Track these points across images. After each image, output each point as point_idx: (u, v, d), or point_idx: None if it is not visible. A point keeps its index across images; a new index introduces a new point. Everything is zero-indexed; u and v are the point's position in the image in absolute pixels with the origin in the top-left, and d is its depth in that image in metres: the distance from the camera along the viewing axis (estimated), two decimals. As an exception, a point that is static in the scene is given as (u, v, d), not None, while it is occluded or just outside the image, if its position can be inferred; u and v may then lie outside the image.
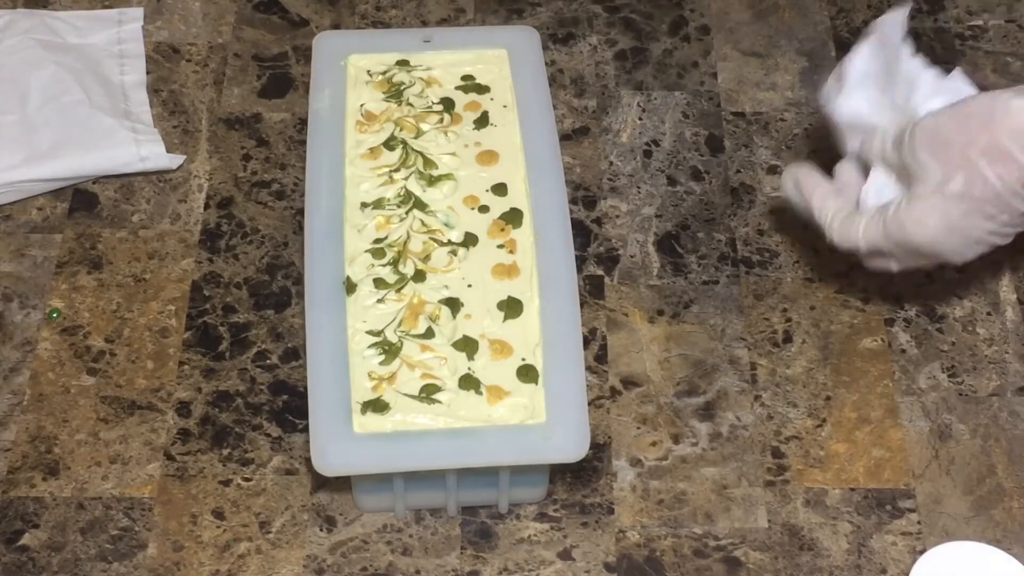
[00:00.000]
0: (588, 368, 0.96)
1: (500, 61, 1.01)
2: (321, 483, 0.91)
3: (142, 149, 1.06)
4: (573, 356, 0.87)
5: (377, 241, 0.92)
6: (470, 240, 0.92)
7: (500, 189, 0.94)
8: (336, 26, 1.16)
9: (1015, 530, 0.90)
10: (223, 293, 1.01)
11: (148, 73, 1.13)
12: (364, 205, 0.93)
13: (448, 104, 0.99)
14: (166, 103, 1.11)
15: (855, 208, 0.90)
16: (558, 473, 0.92)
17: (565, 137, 1.09)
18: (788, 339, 0.99)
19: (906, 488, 0.92)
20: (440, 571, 0.89)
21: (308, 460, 0.88)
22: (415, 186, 0.94)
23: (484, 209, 0.94)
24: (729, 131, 1.10)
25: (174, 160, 1.07)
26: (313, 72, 1.00)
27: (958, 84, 0.90)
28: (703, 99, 1.11)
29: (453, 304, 0.89)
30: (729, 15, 1.18)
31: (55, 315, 0.99)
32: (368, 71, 1.01)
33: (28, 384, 0.96)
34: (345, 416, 0.85)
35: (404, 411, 0.85)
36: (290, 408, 0.95)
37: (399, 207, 0.93)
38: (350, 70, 1.01)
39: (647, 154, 1.09)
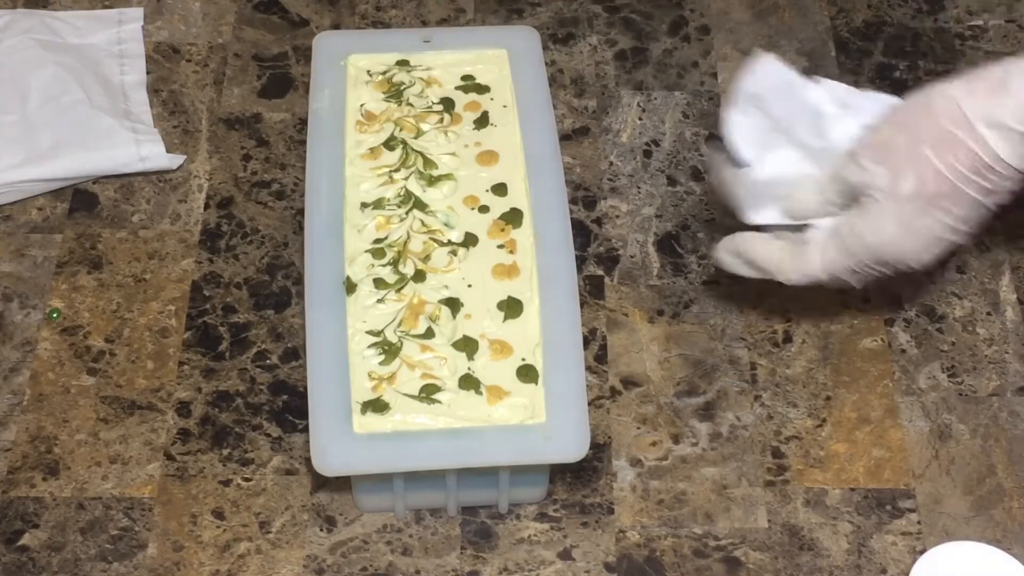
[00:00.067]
0: (588, 368, 0.96)
1: (500, 61, 1.01)
2: (321, 483, 0.91)
3: (142, 149, 1.06)
4: (573, 356, 0.87)
5: (377, 241, 0.92)
6: (470, 240, 0.92)
7: (500, 189, 0.94)
8: (336, 26, 1.16)
9: (1015, 530, 0.90)
10: (223, 293, 1.01)
11: (148, 73, 1.13)
12: (364, 205, 0.93)
13: (448, 104, 0.99)
14: (166, 103, 1.11)
15: (801, 243, 0.87)
16: (558, 473, 0.92)
17: (565, 137, 1.09)
18: (788, 339, 0.99)
19: (906, 488, 0.92)
20: (440, 571, 0.89)
21: (308, 460, 0.88)
22: (415, 186, 0.94)
23: (484, 209, 0.94)
24: (729, 131, 1.10)
25: (174, 160, 1.07)
26: (313, 72, 1.00)
27: (871, 96, 0.88)
28: (703, 99, 1.11)
29: (453, 304, 0.89)
30: (729, 15, 1.18)
31: (55, 315, 0.99)
32: (368, 71, 1.01)
33: (28, 384, 0.96)
34: (345, 416, 0.85)
35: (404, 411, 0.85)
36: (290, 408, 0.95)
37: (399, 207, 0.93)
38: (350, 70, 1.00)
39: (647, 154, 1.09)
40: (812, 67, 1.13)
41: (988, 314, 1.00)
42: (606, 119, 1.11)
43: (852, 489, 0.92)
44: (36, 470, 0.92)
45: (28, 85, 1.09)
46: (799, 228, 0.87)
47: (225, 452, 0.93)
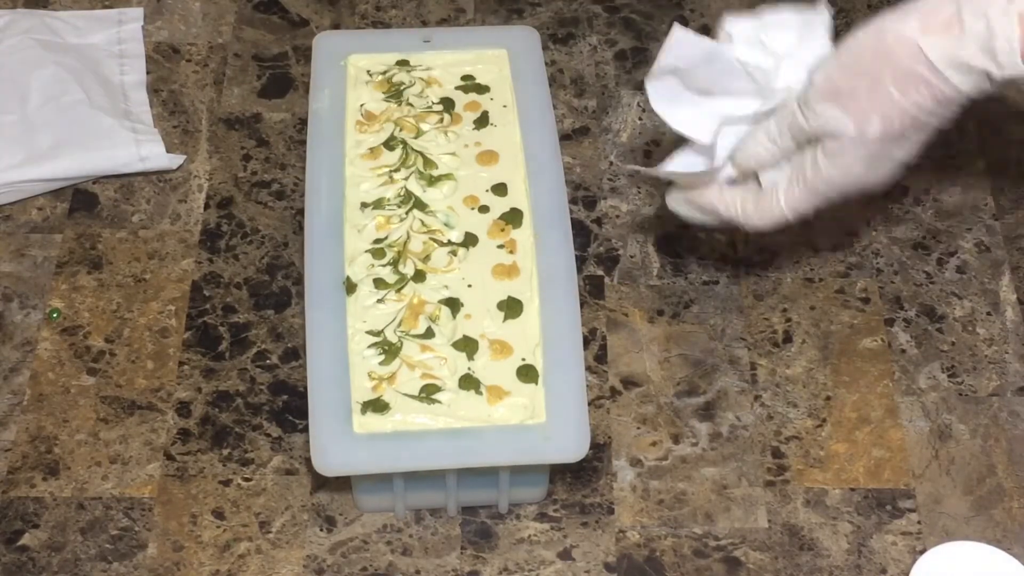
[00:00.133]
0: (588, 368, 0.96)
1: (500, 61, 1.01)
2: (321, 483, 0.91)
3: (142, 149, 1.06)
4: (573, 356, 0.87)
5: (377, 241, 0.92)
6: (470, 240, 0.92)
7: (500, 189, 0.94)
8: (336, 26, 1.16)
9: (1015, 530, 0.90)
10: (223, 293, 1.01)
11: (148, 73, 1.13)
12: (364, 205, 0.93)
13: (448, 104, 0.99)
14: (166, 103, 1.11)
15: (759, 187, 0.88)
16: (558, 473, 0.92)
17: (565, 137, 1.09)
18: (788, 339, 0.99)
19: (906, 488, 0.92)
20: (440, 571, 0.89)
21: (308, 460, 0.88)
22: (415, 186, 0.94)
23: (484, 209, 0.94)
24: (729, 131, 1.10)
25: (174, 160, 1.07)
26: (313, 72, 1.00)
27: (785, 20, 0.87)
28: (703, 99, 1.11)
29: (453, 304, 0.89)
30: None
31: (55, 315, 0.99)
32: (368, 71, 1.01)
33: (28, 384, 0.96)
34: (345, 416, 0.84)
35: (404, 411, 0.85)
36: (290, 408, 0.95)
37: (399, 207, 0.93)
38: (350, 70, 1.01)
39: (647, 154, 1.09)
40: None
41: (988, 314, 1.00)
42: (606, 119, 1.11)
43: (852, 489, 0.92)
44: (36, 470, 0.92)
45: (28, 85, 1.09)
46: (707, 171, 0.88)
47: (225, 452, 0.93)
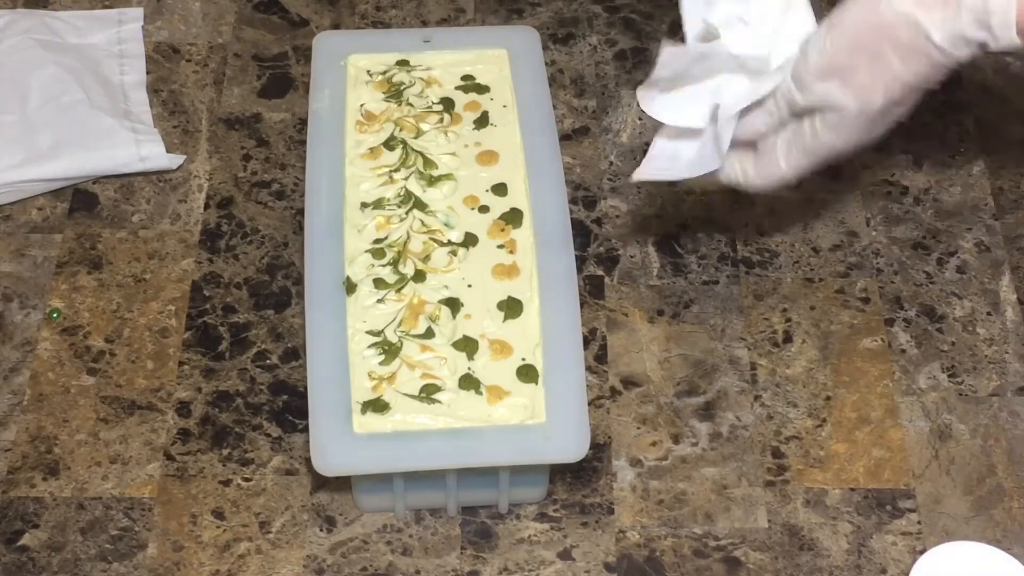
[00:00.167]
0: (588, 368, 0.96)
1: (500, 61, 1.01)
2: (321, 483, 0.91)
3: (142, 149, 1.06)
4: (573, 356, 0.87)
5: (377, 241, 0.92)
6: (470, 240, 0.92)
7: (500, 189, 0.94)
8: (336, 26, 1.16)
9: (1015, 530, 0.90)
10: (223, 293, 1.01)
11: (148, 73, 1.13)
12: (364, 205, 0.93)
13: (448, 104, 0.99)
14: (166, 103, 1.11)
15: (755, 150, 0.89)
16: (558, 473, 0.92)
17: (565, 137, 1.09)
18: (788, 339, 0.99)
19: (906, 488, 0.92)
20: (440, 571, 0.89)
21: (308, 460, 0.88)
22: (415, 186, 0.94)
23: (484, 209, 0.94)
24: (729, 131, 1.10)
25: (174, 160, 1.07)
26: (313, 72, 1.00)
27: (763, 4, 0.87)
28: (703, 99, 1.11)
29: (453, 304, 0.89)
30: (729, 15, 1.17)
31: (55, 315, 0.99)
32: (368, 71, 1.01)
33: (28, 384, 0.96)
34: (345, 416, 0.84)
35: (404, 411, 0.85)
36: (290, 408, 0.95)
37: (399, 207, 0.93)
38: (350, 70, 1.01)
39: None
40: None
41: (988, 314, 1.00)
42: (606, 119, 1.11)
43: (852, 489, 0.92)
44: (36, 470, 0.92)
45: (28, 85, 1.09)
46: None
47: (225, 452, 0.93)
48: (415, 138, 0.97)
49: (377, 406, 0.85)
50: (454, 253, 0.91)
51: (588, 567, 0.89)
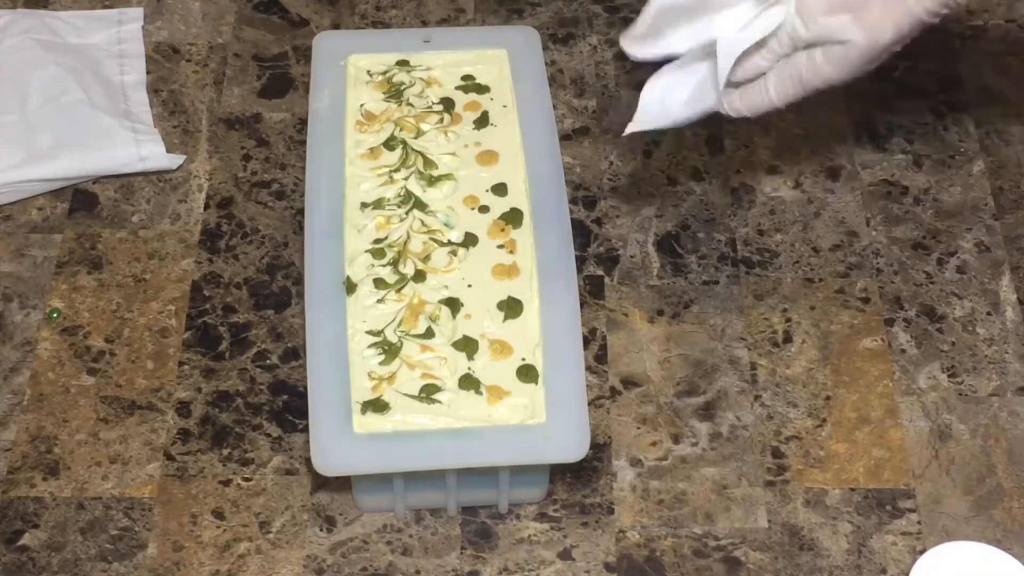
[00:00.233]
0: (588, 368, 0.96)
1: (500, 61, 1.01)
2: (321, 483, 0.91)
3: (142, 149, 1.06)
4: (573, 356, 0.87)
5: (377, 241, 0.92)
6: (470, 240, 0.92)
7: (500, 189, 0.94)
8: (336, 26, 1.16)
9: (1015, 530, 0.90)
10: (223, 293, 1.01)
11: (148, 73, 1.13)
12: (364, 205, 0.93)
13: (448, 104, 0.99)
14: (166, 103, 1.11)
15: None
16: (558, 473, 0.92)
17: (565, 137, 1.09)
18: (788, 339, 0.99)
19: (906, 488, 0.92)
20: (440, 571, 0.88)
21: (308, 460, 0.88)
22: (415, 186, 0.94)
23: (484, 209, 0.94)
24: (729, 131, 1.10)
25: (174, 160, 1.07)
26: (313, 72, 1.00)
27: None
28: (703, 99, 1.11)
29: (453, 304, 0.89)
30: (729, 15, 1.17)
31: (55, 315, 0.99)
32: (368, 71, 1.01)
33: (28, 384, 0.96)
34: (345, 416, 0.84)
35: (404, 411, 0.85)
36: (290, 408, 0.95)
37: (399, 207, 0.93)
38: (350, 70, 1.00)
39: (647, 154, 1.09)
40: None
41: (988, 314, 1.00)
42: (606, 119, 1.11)
43: (852, 489, 0.92)
44: (36, 470, 0.92)
45: (28, 85, 1.09)
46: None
47: (225, 452, 0.93)
48: (415, 138, 0.97)
49: (377, 406, 0.85)
50: (454, 253, 0.91)
51: (588, 567, 0.89)
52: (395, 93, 0.99)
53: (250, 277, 1.02)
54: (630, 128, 0.90)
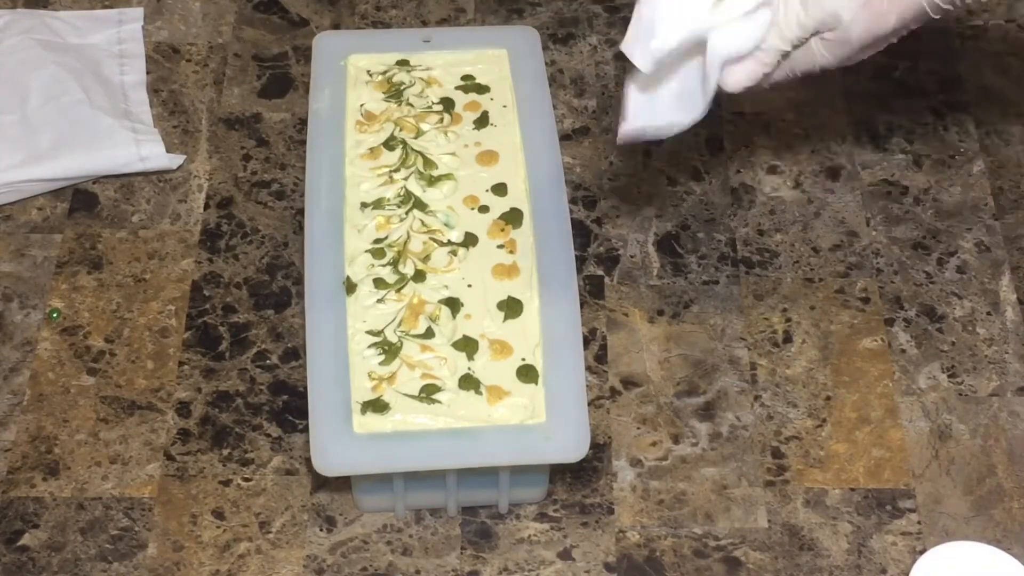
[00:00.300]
0: (588, 368, 0.96)
1: (500, 61, 1.01)
2: (321, 483, 0.91)
3: (142, 149, 1.06)
4: (573, 356, 0.87)
5: (377, 241, 0.92)
6: (470, 240, 0.92)
7: (500, 189, 0.94)
8: (336, 26, 1.16)
9: (1015, 530, 0.90)
10: (223, 293, 1.01)
11: (148, 73, 1.13)
12: (364, 205, 0.93)
13: (448, 104, 0.99)
14: (166, 103, 1.11)
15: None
16: (558, 473, 0.92)
17: (565, 137, 1.09)
18: (788, 339, 0.99)
19: (906, 488, 0.92)
20: (440, 571, 0.89)
21: (308, 460, 0.88)
22: (415, 186, 0.94)
23: (484, 209, 0.94)
24: (729, 131, 1.10)
25: (174, 160, 1.07)
26: (313, 72, 1.00)
27: None
28: (703, 99, 1.11)
29: (453, 304, 0.89)
30: (729, 15, 1.17)
31: (55, 315, 0.99)
32: (368, 71, 1.01)
33: (28, 384, 0.96)
34: (345, 416, 0.84)
35: (404, 411, 0.85)
36: (290, 408, 0.95)
37: (399, 207, 0.93)
38: (350, 70, 1.01)
39: (647, 154, 1.09)
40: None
41: (988, 314, 1.00)
42: (606, 119, 1.11)
43: (852, 489, 0.92)
44: (36, 470, 0.92)
45: (28, 85, 1.09)
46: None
47: (225, 452, 0.93)
48: (415, 138, 0.97)
49: (377, 406, 0.85)
50: (454, 253, 0.91)
51: (588, 567, 0.89)
52: (395, 93, 0.99)
53: (250, 277, 1.02)
54: (620, 140, 0.88)
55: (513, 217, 0.93)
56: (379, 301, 0.89)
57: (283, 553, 0.89)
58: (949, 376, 0.97)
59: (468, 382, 0.86)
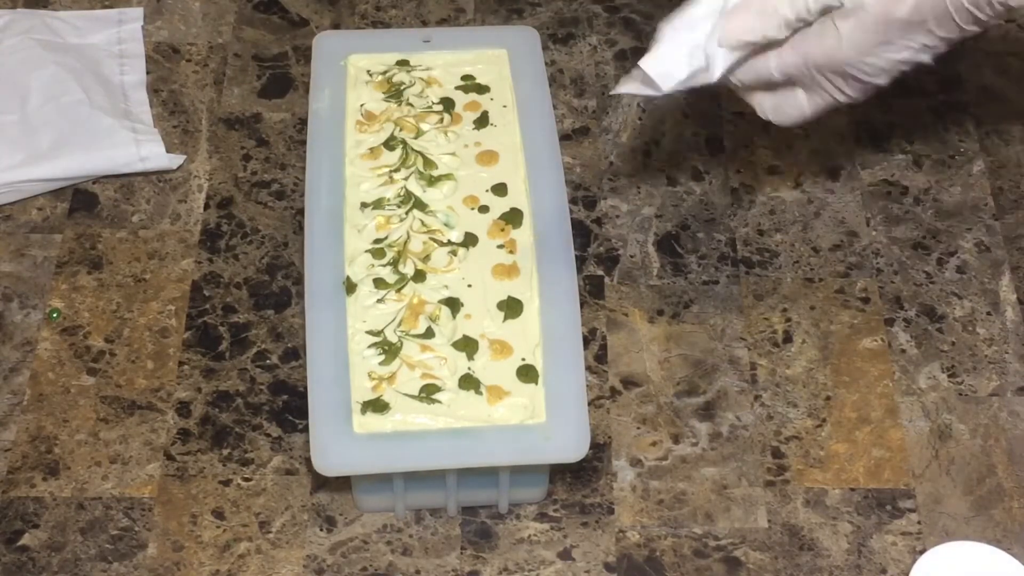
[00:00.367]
0: (588, 368, 0.96)
1: (500, 61, 1.01)
2: (321, 483, 0.91)
3: (142, 149, 1.06)
4: (573, 356, 0.87)
5: (377, 241, 0.92)
6: (470, 240, 0.92)
7: (500, 189, 0.94)
8: (336, 26, 1.16)
9: (1015, 530, 0.90)
10: (223, 293, 1.01)
11: (148, 73, 1.13)
12: (364, 205, 0.93)
13: (448, 104, 0.99)
14: (166, 103, 1.11)
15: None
16: (558, 473, 0.92)
17: (565, 137, 1.09)
18: (788, 339, 0.99)
19: (906, 488, 0.92)
20: (440, 571, 0.88)
21: (308, 460, 0.88)
22: (415, 186, 0.94)
23: (484, 209, 0.94)
24: (729, 131, 1.10)
25: (174, 160, 1.07)
26: (313, 72, 1.00)
27: None
28: (703, 99, 1.11)
29: (453, 304, 0.89)
30: (729, 15, 1.17)
31: (55, 315, 0.99)
32: (368, 71, 1.01)
33: (28, 384, 0.96)
34: (345, 416, 0.84)
35: (404, 411, 0.85)
36: (290, 408, 0.95)
37: (399, 207, 0.93)
38: (350, 70, 1.01)
39: (647, 154, 1.09)
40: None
41: (988, 314, 1.00)
42: (606, 119, 1.11)
43: (852, 489, 0.92)
44: (36, 470, 0.92)
45: (28, 85, 1.09)
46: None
47: (225, 452, 0.93)
48: (415, 138, 0.97)
49: (377, 406, 0.85)
50: (454, 253, 0.91)
51: (588, 567, 0.89)
52: (395, 93, 0.99)
53: (250, 277, 1.02)
54: (619, 88, 0.87)
55: (513, 217, 0.93)
56: (379, 301, 0.89)
57: (283, 553, 0.89)
58: (949, 376, 0.97)
59: (468, 382, 0.86)
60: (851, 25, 0.80)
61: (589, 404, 0.90)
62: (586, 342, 0.97)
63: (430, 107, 0.99)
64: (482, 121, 0.98)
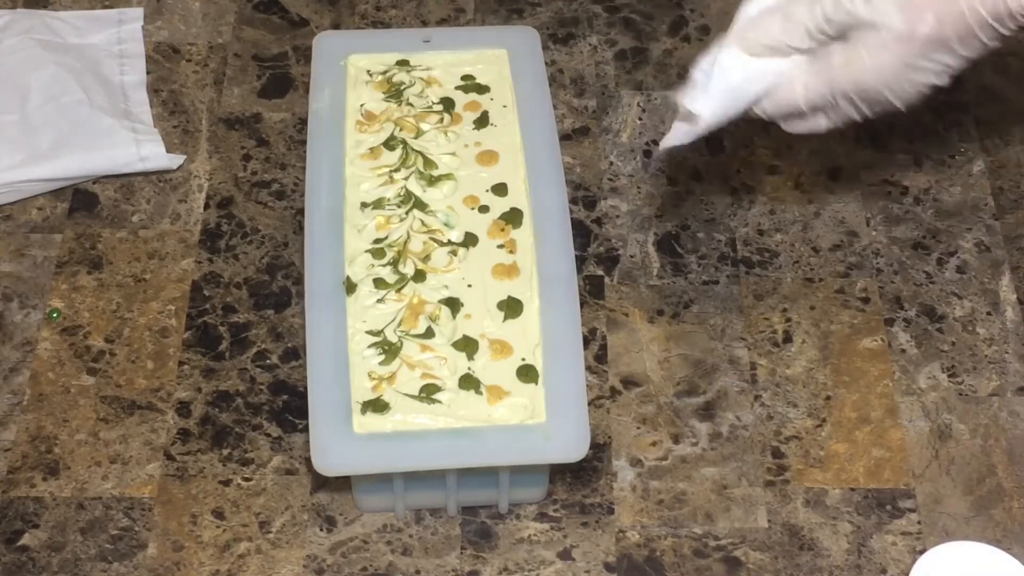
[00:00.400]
0: (588, 368, 0.96)
1: (500, 61, 1.01)
2: (321, 483, 0.91)
3: (142, 149, 1.06)
4: (573, 356, 0.87)
5: (377, 241, 0.92)
6: (470, 240, 0.92)
7: (500, 189, 0.94)
8: (336, 26, 1.16)
9: (1015, 530, 0.90)
10: (223, 293, 1.01)
11: (148, 73, 1.13)
12: (364, 205, 0.93)
13: (448, 104, 0.99)
14: (166, 103, 1.11)
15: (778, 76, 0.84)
16: (558, 473, 0.92)
17: (565, 137, 1.09)
18: (788, 339, 0.99)
19: (906, 488, 0.92)
20: (440, 571, 0.89)
21: (308, 460, 0.88)
22: (415, 186, 0.94)
23: (484, 209, 0.94)
24: (729, 131, 1.10)
25: (174, 160, 1.07)
26: (313, 72, 1.00)
27: None
28: (703, 99, 1.11)
29: (453, 304, 0.89)
30: (729, 15, 1.16)
31: (55, 315, 0.99)
32: (368, 71, 1.01)
33: (28, 384, 0.96)
34: (345, 416, 0.84)
35: (404, 411, 0.85)
36: (290, 408, 0.95)
37: (399, 207, 0.93)
38: (350, 70, 1.01)
39: (647, 154, 1.09)
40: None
41: (988, 314, 1.00)
42: (606, 119, 1.11)
43: (852, 489, 0.92)
44: (36, 470, 0.92)
45: (28, 85, 1.09)
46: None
47: (225, 452, 0.93)
48: (415, 138, 0.97)
49: (377, 406, 0.85)
50: (454, 253, 0.91)
51: (588, 567, 0.89)
52: (395, 93, 0.99)
53: (250, 277, 1.02)
54: (665, 143, 0.87)
55: (513, 217, 0.93)
56: (379, 301, 0.89)
57: (283, 553, 0.89)
58: (949, 376, 0.97)
59: (468, 382, 0.86)
60: (875, 46, 0.79)
61: (589, 404, 0.90)
62: (586, 342, 0.97)
63: (430, 107, 0.99)
64: (482, 121, 0.98)
